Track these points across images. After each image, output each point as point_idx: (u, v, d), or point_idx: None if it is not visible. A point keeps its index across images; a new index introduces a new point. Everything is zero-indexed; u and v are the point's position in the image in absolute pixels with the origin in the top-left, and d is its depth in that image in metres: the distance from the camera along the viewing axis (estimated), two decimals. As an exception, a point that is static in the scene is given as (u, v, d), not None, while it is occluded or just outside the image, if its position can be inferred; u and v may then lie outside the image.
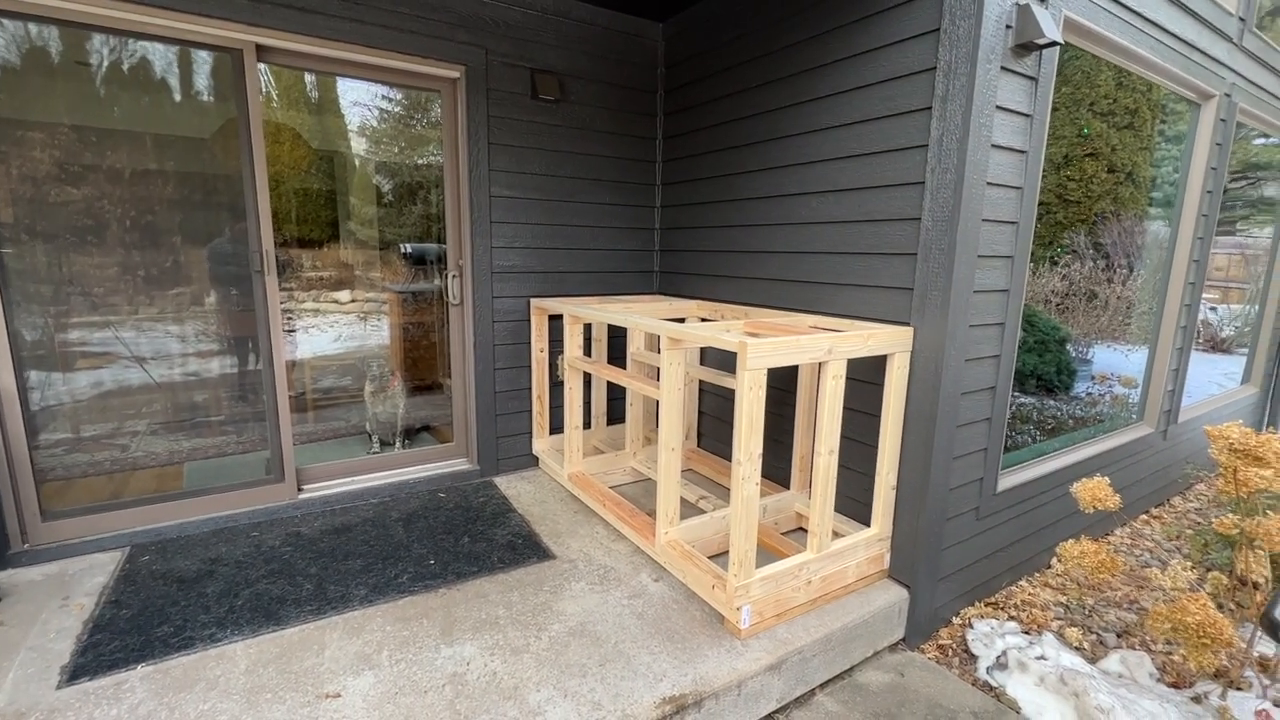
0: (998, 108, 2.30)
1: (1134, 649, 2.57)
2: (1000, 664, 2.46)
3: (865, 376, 2.68)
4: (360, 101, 3.58)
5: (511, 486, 3.52)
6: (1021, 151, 2.45)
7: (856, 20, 2.61)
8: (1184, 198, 3.72)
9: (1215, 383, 5.35)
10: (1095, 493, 2.47)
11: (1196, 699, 2.25)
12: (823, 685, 2.35)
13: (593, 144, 3.70)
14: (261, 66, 2.91)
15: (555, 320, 3.68)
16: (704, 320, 3.50)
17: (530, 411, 3.74)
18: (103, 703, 1.84)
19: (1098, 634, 2.71)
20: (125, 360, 2.87)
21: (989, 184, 2.35)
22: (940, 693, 2.34)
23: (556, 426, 3.77)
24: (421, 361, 3.99)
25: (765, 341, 2.06)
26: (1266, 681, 2.27)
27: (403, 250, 3.97)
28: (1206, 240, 3.84)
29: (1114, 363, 5.41)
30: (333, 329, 3.95)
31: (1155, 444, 3.90)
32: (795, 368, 3.05)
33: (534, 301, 3.58)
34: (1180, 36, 3.15)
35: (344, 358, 4.00)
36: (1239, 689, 2.25)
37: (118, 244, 2.73)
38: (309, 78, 3.46)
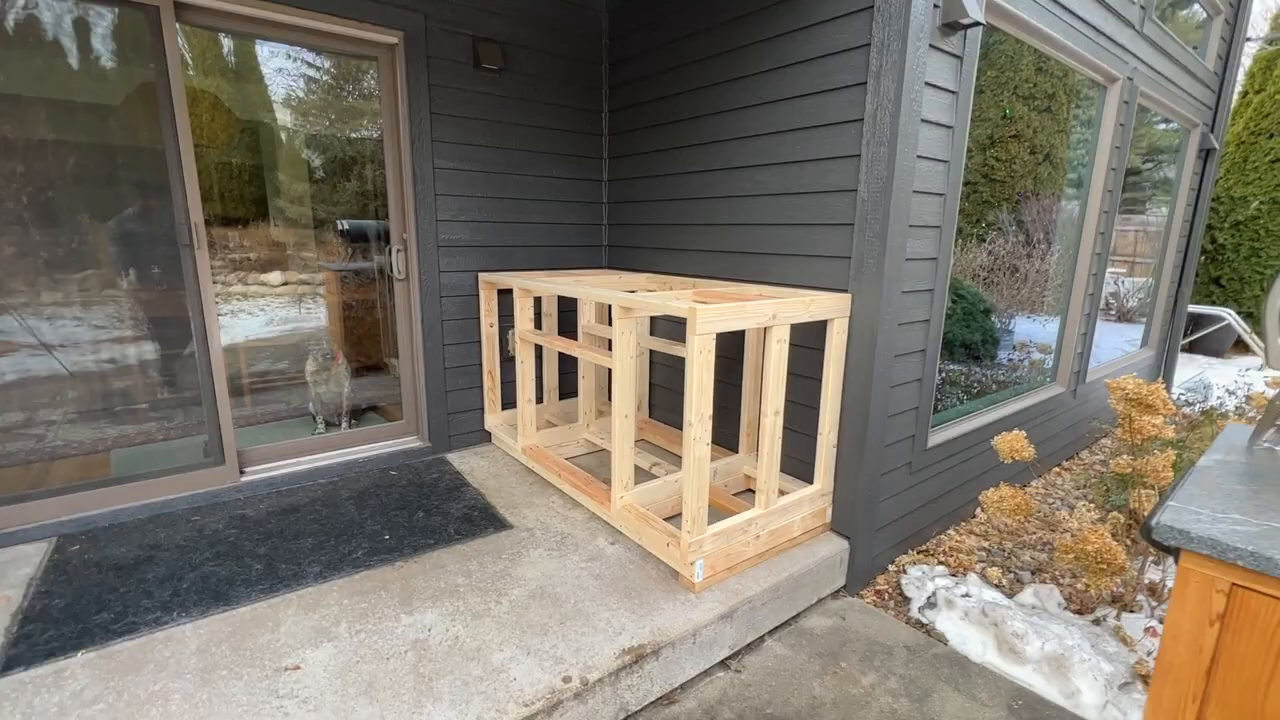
0: (926, 84, 2.43)
1: (1045, 583, 2.84)
2: (930, 603, 2.68)
3: (807, 342, 2.81)
4: (285, 69, 3.40)
5: (465, 462, 3.52)
6: (949, 127, 2.61)
7: (796, -4, 2.68)
8: (1091, 176, 4.02)
9: (1119, 348, 5.84)
10: (1013, 445, 2.70)
11: (1096, 621, 2.52)
12: (772, 631, 2.50)
13: (538, 116, 3.66)
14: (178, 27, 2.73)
15: (504, 295, 3.66)
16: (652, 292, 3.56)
17: (481, 387, 3.72)
18: (42, 690, 1.77)
19: (1015, 572, 2.98)
20: (32, 347, 2.69)
21: (919, 157, 2.49)
22: (878, 632, 2.53)
23: (508, 402, 3.77)
24: (364, 341, 3.89)
25: (713, 308, 2.14)
26: (1154, 603, 2.57)
27: (339, 227, 3.84)
28: (1111, 215, 4.18)
29: (1033, 332, 5.83)
30: (264, 312, 3.79)
31: (1066, 402, 4.25)
32: (741, 338, 3.16)
33: (482, 276, 3.55)
34: (1089, 22, 3.39)
35: (278, 340, 3.85)
36: (1132, 611, 2.54)
37: (15, 221, 2.53)
38: (226, 42, 3.26)
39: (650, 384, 3.92)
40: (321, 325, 3.89)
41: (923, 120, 2.46)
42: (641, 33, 3.56)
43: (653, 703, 2.11)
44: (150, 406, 2.98)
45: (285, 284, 3.80)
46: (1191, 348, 9.47)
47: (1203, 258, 9.99)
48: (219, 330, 2.92)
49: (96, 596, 2.19)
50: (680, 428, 3.44)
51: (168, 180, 2.71)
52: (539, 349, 3.84)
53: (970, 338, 6.27)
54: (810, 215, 2.75)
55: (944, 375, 5.66)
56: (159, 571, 2.36)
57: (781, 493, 2.67)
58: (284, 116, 3.57)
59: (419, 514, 2.87)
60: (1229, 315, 9.00)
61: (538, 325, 3.81)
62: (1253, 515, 0.99)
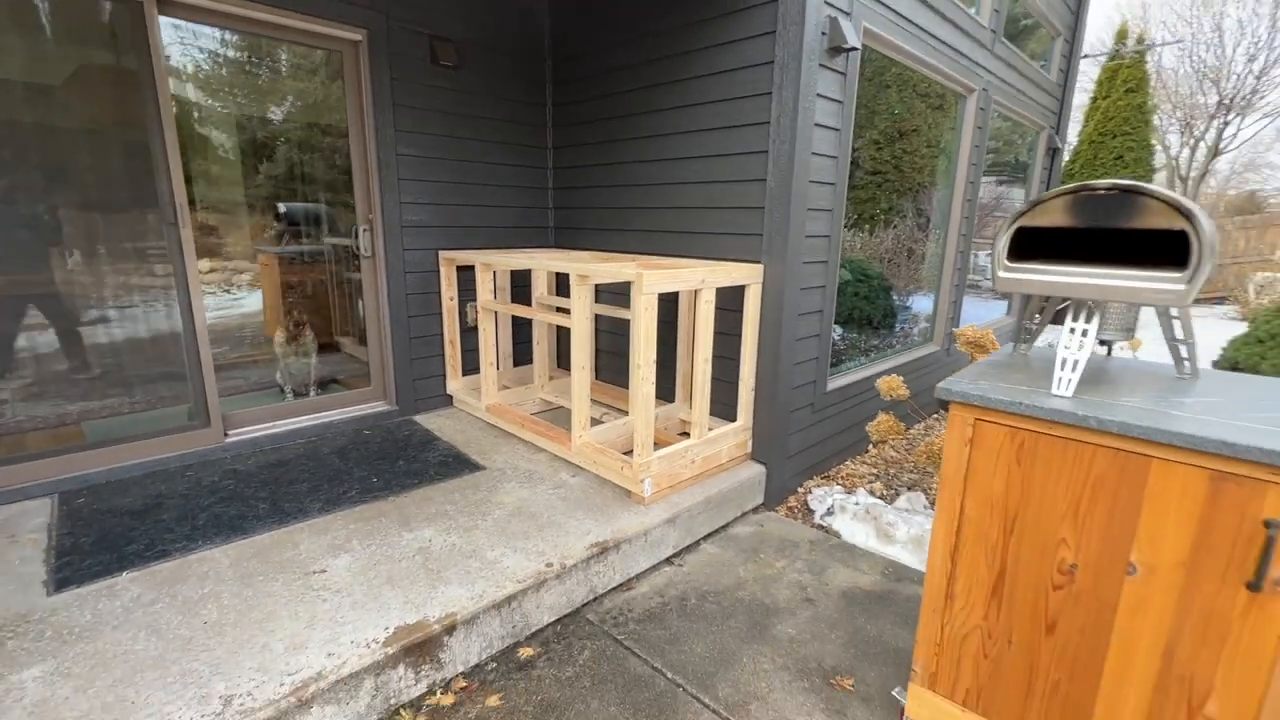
0: (818, 95, 3.05)
1: (915, 491, 3.61)
2: (829, 512, 3.37)
3: (729, 305, 3.40)
4: (218, 53, 3.49)
5: (432, 422, 3.90)
6: (836, 129, 3.25)
7: (714, 17, 3.23)
8: (956, 169, 4.86)
9: (990, 317, 6.89)
10: (891, 385, 3.42)
11: (949, 514, 3.28)
12: (706, 536, 3.10)
13: (489, 108, 4.04)
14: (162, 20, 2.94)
15: (463, 271, 4.04)
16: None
17: (443, 355, 4.10)
18: (102, 599, 2.08)
19: (895, 488, 3.73)
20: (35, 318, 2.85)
21: (814, 154, 3.12)
22: (789, 533, 3.18)
23: (469, 368, 4.17)
24: (319, 322, 4.08)
25: (655, 273, 2.67)
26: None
27: (279, 211, 4.04)
28: (974, 203, 5.05)
29: (926, 306, 6.78)
30: (225, 293, 3.95)
31: (941, 359, 5.11)
32: (676, 305, 3.72)
33: (442, 253, 3.92)
34: (949, 43, 4.16)
35: (233, 319, 4.02)
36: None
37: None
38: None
39: (596, 349, 4.43)
40: (275, 305, 4.07)
41: (816, 124, 3.09)
42: (581, 38, 4.02)
43: (615, 588, 2.65)
44: (137, 375, 3.17)
45: (212, 271, 3.94)
46: (1056, 320, 11.00)
47: (1062, 241, 11.55)
48: (203, 301, 3.16)
49: (122, 533, 2.47)
50: (625, 387, 3.98)
51: (153, 164, 2.93)
52: (497, 321, 4.25)
53: (873, 312, 7.22)
54: (730, 200, 3.33)
55: (849, 342, 6.56)
56: (172, 514, 2.65)
57: (710, 429, 3.27)
58: (227, 100, 3.70)
59: (399, 462, 3.26)
60: (1082, 290, 10.53)
61: (495, 298, 4.21)
62: (989, 381, 1.63)
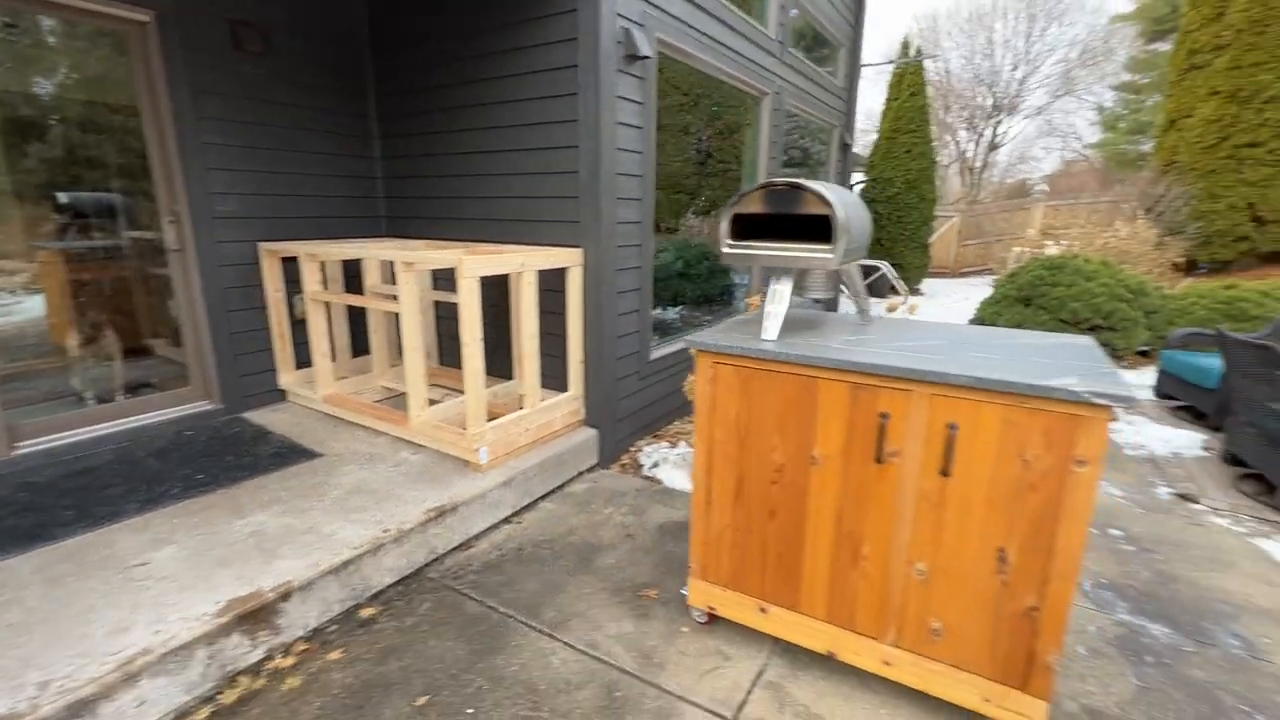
0: (618, 97, 3.45)
1: (728, 441, 4.21)
2: (655, 464, 3.85)
3: (555, 287, 3.73)
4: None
5: (264, 417, 3.83)
6: (639, 127, 3.68)
7: (520, 21, 3.50)
8: (758, 162, 5.57)
9: (802, 290, 7.90)
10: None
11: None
12: (544, 496, 3.43)
13: (305, 95, 3.98)
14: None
15: (288, 262, 3.97)
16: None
17: (272, 350, 4.01)
18: (-126, 621, 1.95)
19: (712, 440, 4.31)
20: None
21: (618, 149, 3.52)
22: (619, 486, 3.62)
23: (302, 361, 4.11)
24: (123, 322, 3.82)
25: (476, 258, 2.92)
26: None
27: (59, 201, 3.72)
28: (775, 190, 5.80)
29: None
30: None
31: (757, 328, 5.85)
32: (508, 288, 3.97)
33: (263, 245, 3.83)
34: (742, 53, 4.77)
35: (11, 326, 3.64)
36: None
37: None
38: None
39: (438, 334, 4.56)
40: (63, 308, 3.73)
41: (619, 123, 3.49)
42: (401, 30, 4.08)
43: (455, 547, 2.90)
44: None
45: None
46: (868, 291, 12.68)
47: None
48: (-30, 304, 2.87)
49: (-112, 557, 2.27)
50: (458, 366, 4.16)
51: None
52: (329, 311, 4.22)
53: (711, 290, 7.98)
54: (549, 190, 3.64)
55: (687, 319, 7.20)
56: (-48, 532, 2.46)
57: (543, 399, 3.59)
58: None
59: (228, 458, 3.22)
60: (884, 266, 12.26)
61: (323, 289, 4.18)
62: (727, 334, 2.10)
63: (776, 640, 2.28)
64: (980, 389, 1.62)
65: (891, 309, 7.96)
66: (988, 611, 1.75)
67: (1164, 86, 13.51)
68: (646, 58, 3.50)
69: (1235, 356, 3.65)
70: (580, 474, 3.72)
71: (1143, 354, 6.59)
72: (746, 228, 2.11)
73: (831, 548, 1.97)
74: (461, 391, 4.15)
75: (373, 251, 3.31)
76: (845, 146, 7.66)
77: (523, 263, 3.18)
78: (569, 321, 3.61)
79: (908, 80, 12.77)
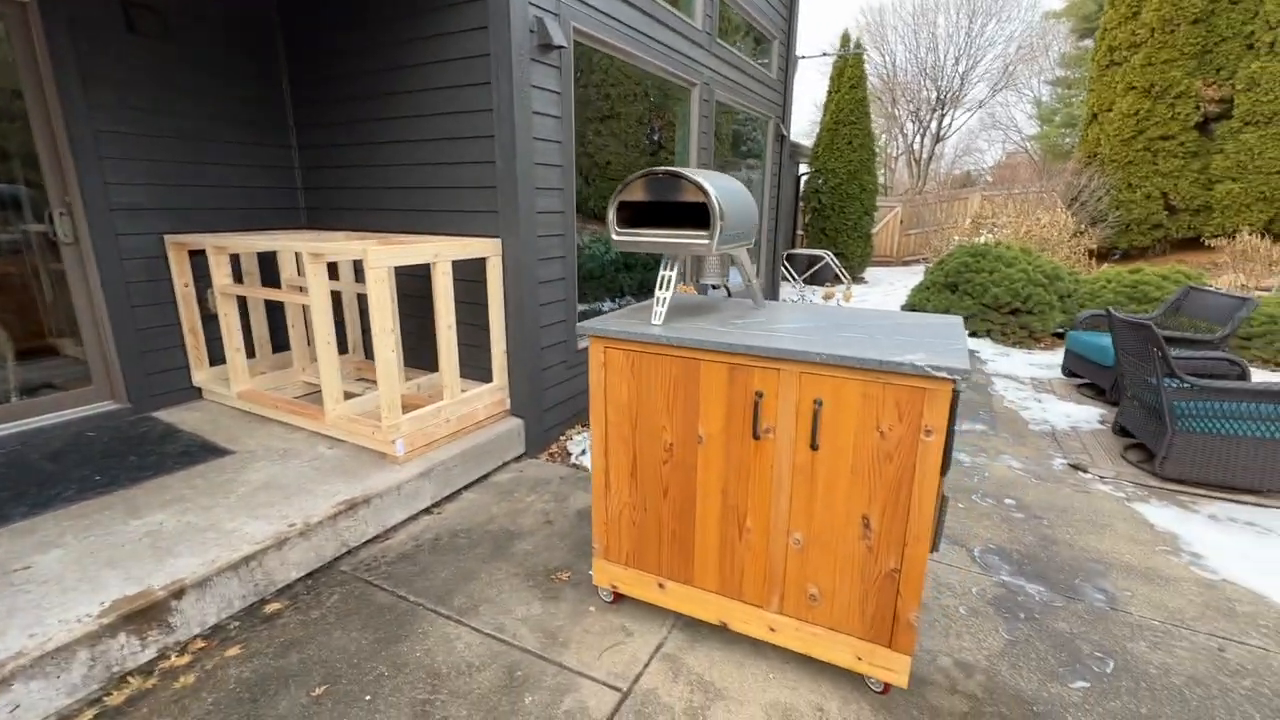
0: (533, 86, 3.45)
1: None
2: (583, 452, 3.90)
3: (476, 277, 3.72)
4: None
5: (175, 416, 3.71)
6: (557, 117, 3.69)
7: (430, 10, 3.46)
8: (689, 153, 5.63)
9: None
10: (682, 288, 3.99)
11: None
12: (467, 486, 3.44)
13: (214, 82, 3.84)
14: None
15: (198, 255, 3.84)
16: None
17: (184, 346, 3.88)
18: None
19: (643, 427, 4.38)
20: None
21: (535, 138, 3.52)
22: (545, 474, 3.65)
23: (217, 358, 3.99)
24: (15, 320, 3.64)
25: (384, 249, 2.89)
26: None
27: None
28: (708, 181, 5.88)
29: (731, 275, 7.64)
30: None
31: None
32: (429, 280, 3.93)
33: (169, 238, 3.69)
34: (668, 44, 4.81)
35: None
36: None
37: None
38: None
39: (363, 328, 4.48)
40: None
41: (535, 112, 3.49)
42: (312, 15, 3.97)
43: (370, 540, 2.88)
44: None
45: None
46: (811, 280, 12.98)
47: (812, 215, 13.64)
48: None
49: None
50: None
51: None
52: (246, 305, 4.10)
53: (651, 280, 8.00)
54: (468, 180, 3.62)
55: (622, 307, 7.21)
56: None
57: (465, 390, 3.59)
58: None
59: (131, 458, 3.11)
60: (827, 256, 12.58)
61: (240, 283, 4.06)
62: (615, 320, 2.15)
63: (679, 615, 2.37)
64: (841, 366, 1.72)
65: (828, 296, 8.21)
66: (856, 575, 1.86)
67: (1088, 81, 14.20)
68: (561, 47, 3.51)
69: (1121, 336, 3.91)
70: (506, 463, 3.73)
71: (1058, 335, 6.97)
72: (639, 215, 2.16)
73: (719, 522, 2.05)
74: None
75: (281, 243, 3.24)
76: (781, 137, 7.81)
77: (436, 253, 3.16)
78: (490, 312, 3.61)
79: (848, 73, 13.07)
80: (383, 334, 2.95)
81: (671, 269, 2.09)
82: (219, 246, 3.50)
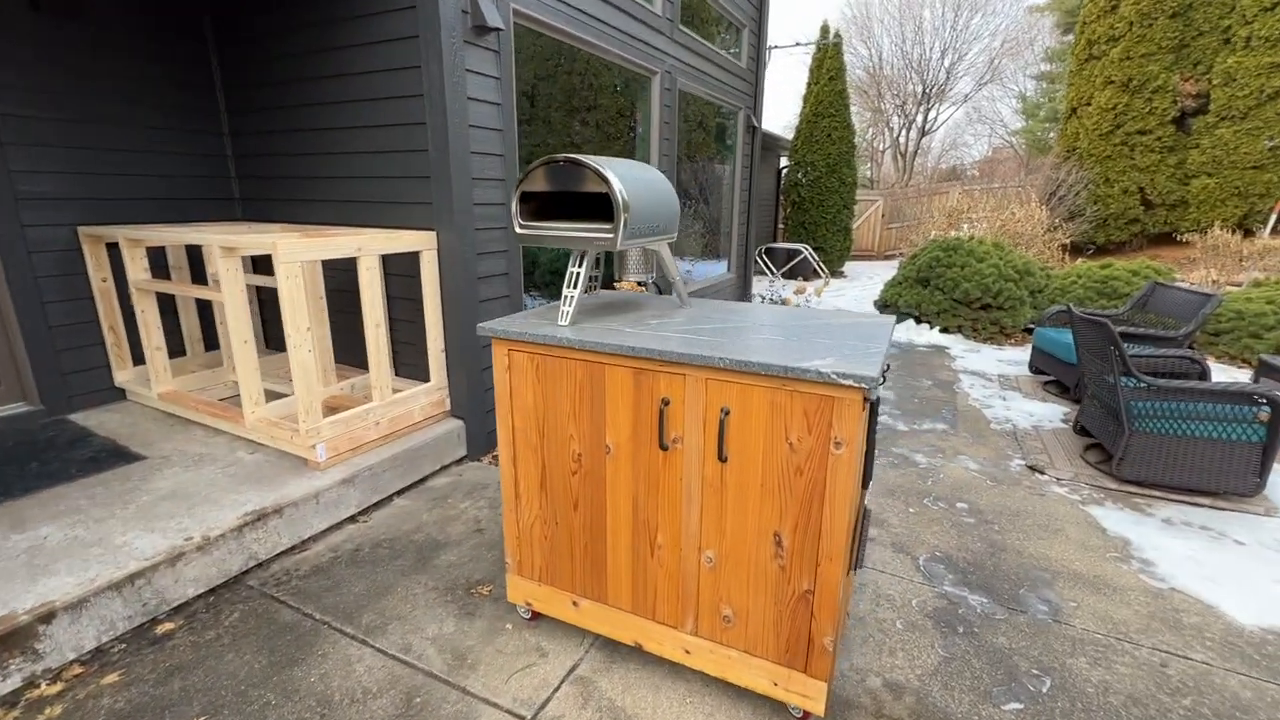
0: (468, 70, 3.26)
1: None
2: (527, 454, 3.74)
3: (410, 272, 3.54)
4: None
5: (92, 419, 3.51)
6: (497, 103, 3.50)
7: (360, -14, 3.26)
8: (650, 143, 5.47)
9: (715, 273, 7.90)
10: (631, 287, 3.84)
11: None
12: (400, 491, 3.27)
13: (135, 64, 3.62)
14: None
15: (116, 248, 3.63)
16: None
17: (104, 344, 3.67)
18: None
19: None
20: None
21: (472, 126, 3.34)
22: (484, 479, 3.49)
23: (142, 356, 3.79)
24: None
25: (296, 241, 2.71)
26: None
27: None
28: (671, 173, 5.73)
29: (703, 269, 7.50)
30: None
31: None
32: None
33: (83, 230, 3.48)
34: (622, 29, 4.63)
35: None
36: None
37: None
38: None
39: (302, 326, 4.28)
40: None
41: (470, 98, 3.31)
42: (239, -8, 3.76)
43: (284, 551, 2.72)
44: None
45: None
46: (790, 274, 12.86)
47: (792, 208, 13.51)
48: None
49: None
50: (338, 361, 3.93)
51: None
52: (174, 302, 3.90)
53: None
54: (400, 169, 3.44)
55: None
56: None
57: (399, 390, 3.42)
58: None
59: (32, 465, 2.92)
60: (805, 250, 12.46)
61: (167, 277, 3.85)
62: (519, 320, 2.00)
63: (599, 635, 2.23)
64: (746, 372, 1.57)
65: (799, 291, 8.10)
66: (770, 596, 1.73)
67: (1068, 76, 14.16)
68: (498, 29, 3.33)
69: (1082, 333, 3.81)
70: (446, 466, 3.57)
71: (1028, 331, 6.90)
72: (547, 206, 2.00)
73: (631, 537, 1.91)
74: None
75: (195, 236, 3.04)
76: (753, 129, 7.66)
77: (359, 246, 2.98)
78: (426, 308, 3.44)
79: (827, 64, 12.92)
80: (296, 333, 2.78)
81: (580, 265, 1.94)
82: (133, 239, 3.29)
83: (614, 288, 3.33)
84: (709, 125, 7.13)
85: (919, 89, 29.00)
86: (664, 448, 1.76)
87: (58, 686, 2.00)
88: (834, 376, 1.45)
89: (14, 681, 1.93)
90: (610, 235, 1.77)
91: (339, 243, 2.89)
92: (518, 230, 1.93)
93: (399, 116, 3.33)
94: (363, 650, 2.17)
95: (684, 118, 6.14)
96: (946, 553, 2.81)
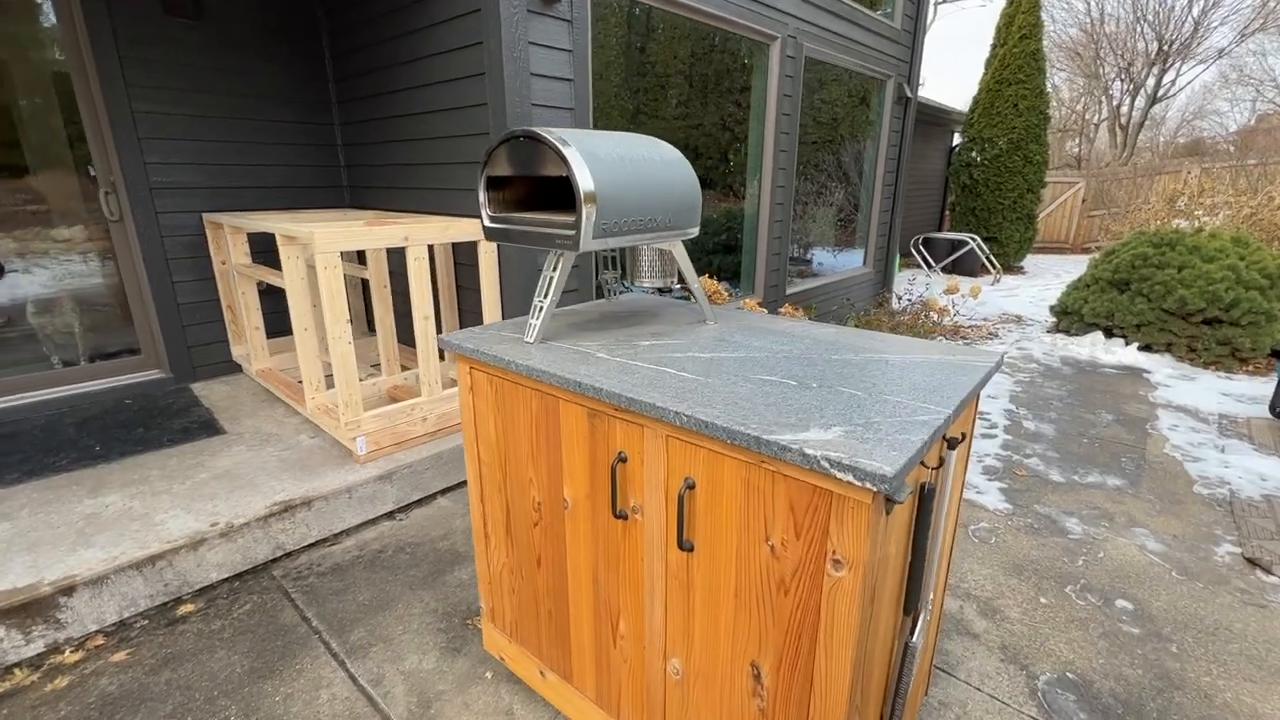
0: (532, 43, 2.98)
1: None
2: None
3: (471, 261, 3.38)
4: None
5: (207, 389, 3.86)
6: (568, 79, 3.19)
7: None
8: (764, 122, 4.83)
9: (849, 266, 7.00)
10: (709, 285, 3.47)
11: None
12: (444, 490, 3.16)
13: (252, 60, 3.86)
14: None
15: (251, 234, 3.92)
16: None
17: (224, 321, 4.02)
18: None
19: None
20: None
21: (536, 105, 3.07)
22: (531, 485, 3.26)
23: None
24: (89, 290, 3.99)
25: (334, 231, 2.63)
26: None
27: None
28: (791, 154, 5.05)
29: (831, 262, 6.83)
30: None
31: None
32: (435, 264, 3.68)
33: (207, 216, 3.80)
34: (733, -11, 4.07)
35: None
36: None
37: None
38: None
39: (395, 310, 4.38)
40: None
41: (535, 74, 3.03)
42: (343, -17, 3.83)
43: (313, 544, 2.70)
44: None
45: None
46: (953, 268, 11.21)
47: (961, 191, 11.71)
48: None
49: None
50: (413, 344, 3.95)
51: None
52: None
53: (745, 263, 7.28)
54: (467, 154, 3.28)
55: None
56: None
57: (452, 385, 3.30)
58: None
59: (138, 430, 3.23)
60: (973, 240, 10.73)
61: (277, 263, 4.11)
62: (479, 333, 1.65)
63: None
64: (707, 435, 1.09)
65: (950, 291, 6.89)
66: (747, 742, 1.24)
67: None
68: (565, -5, 3.00)
69: (1361, 375, 2.60)
70: (496, 468, 3.40)
71: (1275, 355, 5.17)
72: (536, 194, 1.64)
73: (593, 616, 1.51)
74: (407, 368, 3.97)
75: (269, 224, 3.13)
76: (905, 101, 6.58)
77: (406, 235, 2.86)
78: (483, 299, 3.27)
79: (1018, 21, 10.90)
80: (336, 324, 2.72)
81: (554, 269, 1.55)
82: (235, 226, 3.51)
83: (685, 296, 2.88)
84: (854, 93, 6.23)
85: (1153, 46, 23.81)
86: (621, 516, 1.33)
87: (77, 655, 2.09)
88: (823, 463, 0.93)
89: (37, 646, 2.05)
90: (570, 232, 1.36)
91: (379, 232, 2.78)
92: (487, 225, 1.59)
93: (464, 99, 3.16)
94: (335, 674, 2.02)
95: (812, 89, 5.38)
96: (1084, 675, 2.02)
